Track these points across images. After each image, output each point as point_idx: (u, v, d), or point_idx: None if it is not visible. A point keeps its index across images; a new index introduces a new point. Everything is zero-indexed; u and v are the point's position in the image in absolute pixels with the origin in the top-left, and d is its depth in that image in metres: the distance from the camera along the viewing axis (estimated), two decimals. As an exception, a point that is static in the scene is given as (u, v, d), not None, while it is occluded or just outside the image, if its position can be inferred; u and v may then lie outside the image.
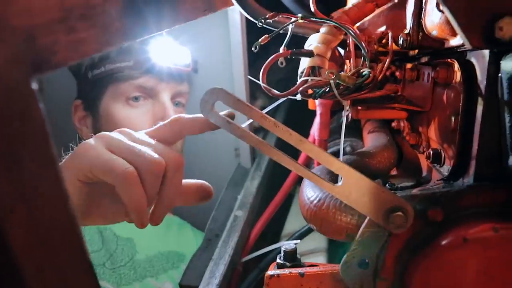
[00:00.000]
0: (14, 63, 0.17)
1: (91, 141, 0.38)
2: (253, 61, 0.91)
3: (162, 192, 0.38)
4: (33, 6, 0.19)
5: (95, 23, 0.23)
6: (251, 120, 0.35)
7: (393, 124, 0.62)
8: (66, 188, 0.20)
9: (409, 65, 0.52)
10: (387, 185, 0.45)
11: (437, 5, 0.33)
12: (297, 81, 0.47)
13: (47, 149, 0.19)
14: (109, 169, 0.35)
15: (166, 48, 0.76)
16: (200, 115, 0.38)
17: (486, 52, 0.31)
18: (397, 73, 0.57)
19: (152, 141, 0.39)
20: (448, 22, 0.33)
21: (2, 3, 0.17)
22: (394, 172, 0.60)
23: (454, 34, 0.33)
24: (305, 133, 0.76)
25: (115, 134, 0.39)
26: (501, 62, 0.30)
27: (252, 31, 0.86)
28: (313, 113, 0.65)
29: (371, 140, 0.60)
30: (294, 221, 0.92)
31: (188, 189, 0.43)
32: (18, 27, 0.18)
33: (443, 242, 0.31)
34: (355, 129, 0.73)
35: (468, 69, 0.34)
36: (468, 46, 0.30)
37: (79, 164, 0.37)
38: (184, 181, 0.42)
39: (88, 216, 0.41)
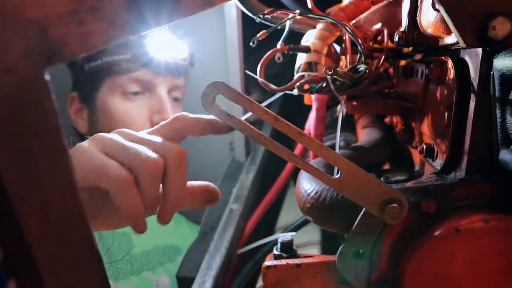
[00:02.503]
0: (29, 55, 0.18)
1: (85, 143, 0.36)
2: (248, 55, 0.92)
3: (166, 190, 0.36)
4: (45, -1, 0.19)
5: (103, 16, 0.24)
6: (250, 114, 0.36)
7: (386, 119, 0.63)
8: (76, 179, 0.21)
9: (402, 62, 0.53)
10: (382, 178, 0.47)
11: (433, 4, 0.34)
12: (291, 75, 0.48)
13: (58, 140, 0.19)
14: (102, 174, 0.34)
15: (163, 42, 0.76)
16: (203, 116, 0.38)
17: (479, 50, 0.33)
18: (390, 70, 0.58)
19: (152, 138, 0.37)
20: (443, 20, 0.34)
21: (17, -3, 0.17)
22: (386, 166, 0.61)
23: (448, 32, 0.34)
24: (299, 127, 0.77)
25: (111, 135, 0.37)
26: (493, 60, 0.31)
27: (248, 26, 0.87)
28: (306, 107, 0.66)
29: (365, 135, 0.61)
30: (287, 215, 0.93)
31: (193, 192, 0.41)
32: (32, 20, 0.18)
33: (436, 233, 0.32)
34: (348, 124, 0.75)
35: (461, 67, 0.35)
36: (462, 44, 0.31)
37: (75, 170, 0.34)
38: (188, 183, 0.40)
39: (91, 223, 0.39)
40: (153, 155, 0.35)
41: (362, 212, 0.35)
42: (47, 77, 0.18)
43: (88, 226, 0.22)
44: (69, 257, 0.21)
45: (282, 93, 0.48)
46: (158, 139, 0.37)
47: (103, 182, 0.34)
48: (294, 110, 0.98)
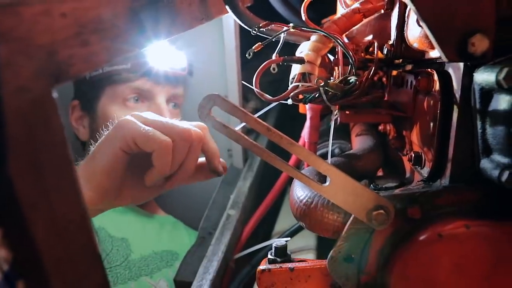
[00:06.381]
0: (39, 76, 0.19)
1: (130, 117, 0.46)
2: (246, 62, 0.93)
3: (185, 161, 0.47)
4: (53, 24, 0.21)
5: (105, 36, 0.26)
6: (244, 124, 0.38)
7: (380, 127, 0.65)
8: (81, 188, 0.22)
9: (394, 72, 0.55)
10: (371, 185, 0.48)
11: (417, 21, 0.36)
12: (288, 82, 0.50)
13: (65, 153, 0.21)
14: (152, 139, 0.44)
15: (162, 52, 0.78)
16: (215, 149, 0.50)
17: (461, 64, 0.34)
18: (384, 79, 0.60)
19: (173, 120, 0.48)
20: (427, 36, 0.36)
21: (28, 24, 0.19)
22: (380, 173, 0.63)
23: (432, 47, 0.36)
24: (297, 135, 0.79)
25: (145, 114, 0.47)
26: (474, 74, 0.33)
27: (245, 36, 0.89)
28: (304, 115, 0.68)
29: (359, 142, 0.63)
30: (284, 220, 0.94)
31: (201, 164, 0.51)
32: (41, 44, 0.20)
33: (421, 238, 0.34)
34: (344, 132, 0.76)
35: (445, 79, 0.37)
36: (444, 59, 0.33)
37: (123, 135, 0.44)
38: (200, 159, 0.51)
39: (119, 195, 0.47)
40: (188, 127, 0.46)
41: (351, 218, 0.36)
42: (54, 95, 0.20)
43: (91, 231, 0.24)
44: (73, 260, 0.23)
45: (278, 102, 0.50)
46: (182, 122, 0.48)
47: (152, 146, 0.44)
48: (292, 115, 1.00)
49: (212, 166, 0.51)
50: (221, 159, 0.53)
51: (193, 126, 0.49)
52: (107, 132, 0.47)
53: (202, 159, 0.52)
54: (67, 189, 0.22)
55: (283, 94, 0.48)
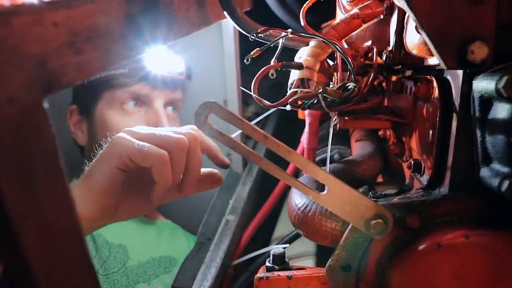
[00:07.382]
0: (29, 87, 0.19)
1: (123, 134, 0.45)
2: (245, 67, 0.93)
3: (188, 163, 0.46)
4: (45, 33, 0.21)
5: (100, 44, 0.25)
6: (240, 131, 0.37)
7: (380, 133, 0.64)
8: (73, 198, 0.22)
9: (394, 78, 0.54)
10: (370, 192, 0.48)
11: (416, 27, 0.36)
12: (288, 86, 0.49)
13: (57, 163, 0.21)
14: (147, 154, 0.43)
15: (160, 57, 0.78)
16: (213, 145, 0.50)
17: (460, 71, 0.34)
18: (384, 84, 0.60)
19: (169, 128, 0.48)
20: (426, 43, 0.35)
21: (19, 33, 0.19)
22: (380, 179, 0.62)
23: (431, 54, 0.36)
24: (298, 139, 0.78)
25: (137, 128, 0.47)
26: (473, 82, 0.33)
27: (245, 40, 0.88)
28: (304, 120, 0.67)
29: (358, 148, 0.62)
30: (284, 226, 0.94)
31: (202, 176, 0.51)
32: (32, 54, 0.20)
33: (420, 247, 0.33)
34: (344, 137, 0.76)
35: (444, 86, 0.37)
36: (443, 66, 0.33)
37: (118, 152, 0.43)
38: None
39: (116, 211, 0.47)
40: (180, 135, 0.46)
41: (349, 227, 0.36)
42: (45, 105, 0.20)
43: (84, 240, 0.23)
44: (65, 270, 0.22)
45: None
46: (174, 128, 0.48)
47: (148, 161, 0.43)
48: (292, 119, 0.99)
49: (219, 161, 0.52)
50: (215, 170, 0.54)
51: (186, 129, 0.48)
52: (102, 150, 0.46)
53: (204, 170, 0.52)
54: (59, 198, 0.21)
55: (282, 100, 0.47)
